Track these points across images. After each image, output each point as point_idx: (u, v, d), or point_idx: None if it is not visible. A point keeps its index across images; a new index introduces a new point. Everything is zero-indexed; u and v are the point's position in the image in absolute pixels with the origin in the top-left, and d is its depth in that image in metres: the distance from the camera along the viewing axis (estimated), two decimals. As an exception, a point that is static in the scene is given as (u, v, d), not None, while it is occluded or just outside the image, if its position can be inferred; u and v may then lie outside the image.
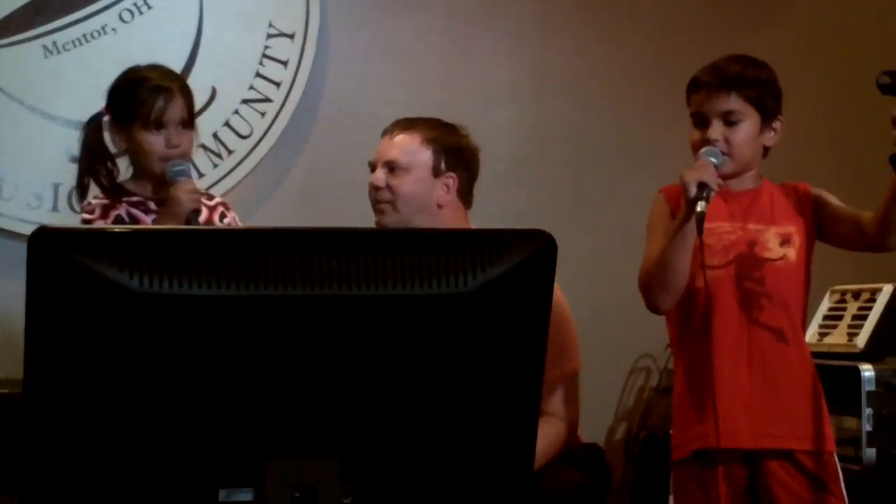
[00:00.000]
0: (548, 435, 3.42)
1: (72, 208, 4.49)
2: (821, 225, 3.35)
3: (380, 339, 1.73)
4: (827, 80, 5.25)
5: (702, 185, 3.09)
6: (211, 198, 3.63)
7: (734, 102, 3.25)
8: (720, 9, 5.20)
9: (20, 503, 1.74)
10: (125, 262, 1.64)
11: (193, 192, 3.38)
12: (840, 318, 4.26)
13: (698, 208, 3.07)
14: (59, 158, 4.50)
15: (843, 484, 3.30)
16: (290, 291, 1.68)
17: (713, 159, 3.18)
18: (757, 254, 3.28)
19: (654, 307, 3.28)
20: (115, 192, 3.48)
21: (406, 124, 3.62)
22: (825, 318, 4.33)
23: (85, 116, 4.47)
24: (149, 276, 1.64)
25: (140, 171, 3.49)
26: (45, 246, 1.64)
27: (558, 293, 3.53)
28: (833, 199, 3.37)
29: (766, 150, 3.36)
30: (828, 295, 4.37)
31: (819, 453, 3.27)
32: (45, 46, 4.51)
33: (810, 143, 4.95)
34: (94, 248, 1.64)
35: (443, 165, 3.59)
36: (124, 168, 3.54)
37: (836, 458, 3.32)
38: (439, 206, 3.59)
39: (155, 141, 3.41)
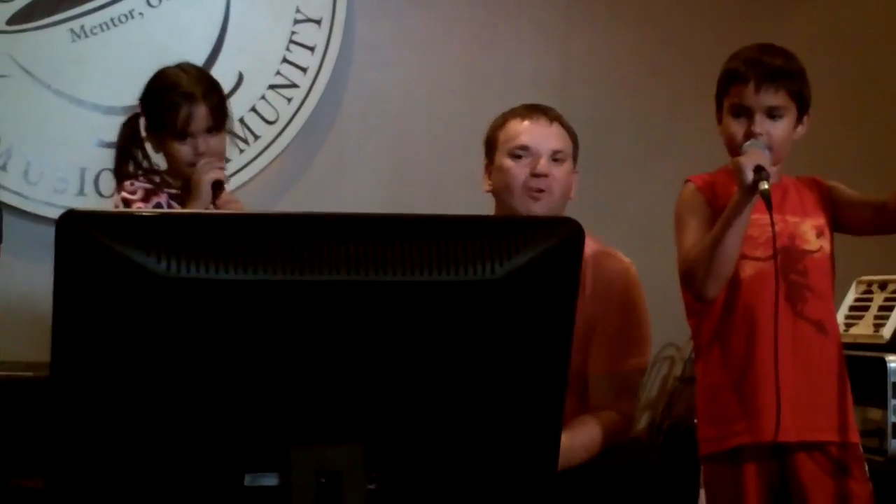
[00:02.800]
0: (605, 426, 3.41)
1: (98, 192, 4.51)
2: (836, 215, 3.35)
3: (406, 325, 1.73)
4: (850, 72, 5.23)
5: (759, 168, 3.09)
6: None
7: (781, 98, 3.25)
8: (744, 1, 5.18)
9: (46, 485, 1.75)
10: (152, 246, 1.64)
11: (210, 165, 3.41)
12: (866, 308, 4.24)
13: (763, 186, 3.07)
14: (86, 143, 4.51)
15: (867, 471, 3.31)
16: (316, 277, 1.68)
17: (763, 151, 3.18)
18: (798, 246, 3.28)
19: (700, 295, 3.24)
20: (153, 183, 3.53)
21: (549, 112, 3.58)
22: (851, 308, 4.31)
23: (112, 101, 4.52)
24: (176, 260, 1.64)
25: (174, 172, 3.54)
26: (72, 229, 1.64)
27: (637, 280, 3.53)
28: (846, 188, 3.39)
29: None
30: (854, 285, 4.35)
31: (848, 443, 3.27)
32: (72, 30, 4.52)
33: (833, 136, 4.93)
34: (121, 231, 1.64)
35: (575, 159, 3.58)
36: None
37: (861, 448, 3.33)
38: (570, 198, 3.57)
39: (183, 150, 3.46)
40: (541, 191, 3.46)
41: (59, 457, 1.72)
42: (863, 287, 4.34)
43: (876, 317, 4.17)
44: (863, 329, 4.18)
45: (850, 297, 4.34)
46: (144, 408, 1.70)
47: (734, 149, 3.27)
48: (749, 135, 3.24)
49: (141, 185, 3.51)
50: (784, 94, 3.26)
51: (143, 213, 1.71)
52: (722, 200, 3.25)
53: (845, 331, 4.17)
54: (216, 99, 3.50)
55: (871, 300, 4.26)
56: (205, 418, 1.72)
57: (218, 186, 3.44)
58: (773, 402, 3.19)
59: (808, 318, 3.27)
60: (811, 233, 3.30)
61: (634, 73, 5.10)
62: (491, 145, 3.58)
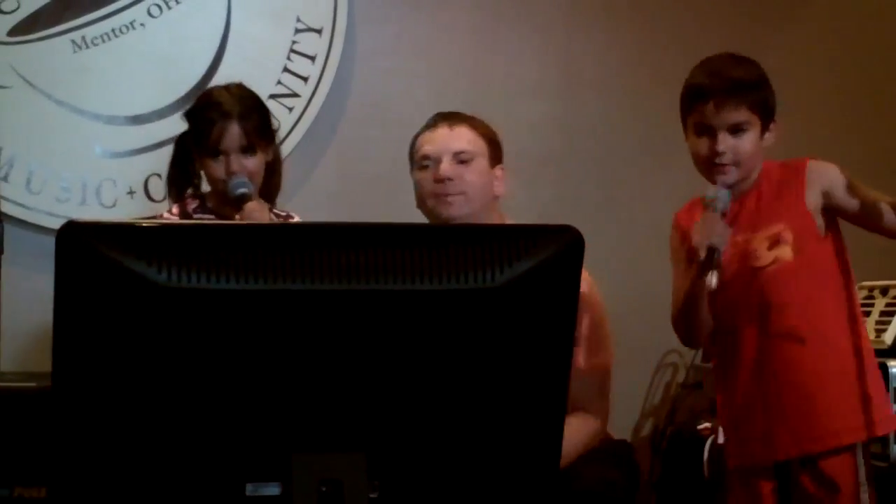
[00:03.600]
0: (580, 429, 3.42)
1: (100, 202, 4.51)
2: (830, 208, 3.30)
3: (406, 333, 1.73)
4: (852, 71, 5.23)
5: (711, 250, 3.09)
6: (287, 219, 3.68)
7: (743, 113, 3.23)
8: (746, 5, 5.19)
9: (48, 494, 1.75)
10: (153, 256, 1.64)
11: (258, 213, 3.45)
12: (868, 314, 4.24)
13: (712, 284, 3.11)
14: (88, 153, 4.52)
15: (862, 475, 3.28)
16: (317, 286, 1.68)
17: (720, 206, 3.17)
18: (749, 265, 3.26)
19: (687, 345, 3.37)
20: (183, 213, 3.55)
21: (455, 116, 3.60)
22: (853, 314, 4.31)
23: (113, 111, 4.54)
24: (176, 271, 1.64)
25: (215, 192, 3.58)
26: (73, 240, 1.64)
27: (595, 288, 3.54)
28: (839, 191, 3.27)
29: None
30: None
31: (844, 448, 3.26)
32: (73, 41, 4.53)
33: (833, 141, 4.93)
34: (122, 241, 1.64)
35: (493, 157, 3.59)
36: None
37: (861, 448, 3.29)
38: (495, 198, 3.58)
39: (216, 167, 3.51)
40: (448, 194, 3.48)
41: (62, 467, 1.72)
42: (864, 293, 4.34)
43: (877, 322, 4.17)
44: (865, 335, 4.18)
45: (853, 303, 4.34)
46: (146, 418, 1.70)
47: (700, 166, 3.28)
48: (714, 154, 3.23)
49: (169, 217, 3.56)
50: (745, 109, 3.23)
51: (144, 224, 1.71)
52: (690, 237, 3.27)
53: (847, 336, 4.17)
54: (256, 121, 3.52)
55: (872, 306, 4.26)
56: (206, 428, 1.72)
57: (244, 199, 3.46)
58: (748, 427, 3.25)
59: (777, 334, 3.25)
60: (762, 246, 3.24)
61: (636, 77, 5.10)
62: (410, 162, 3.62)
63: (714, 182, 3.24)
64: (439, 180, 3.48)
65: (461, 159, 3.50)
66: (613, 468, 3.53)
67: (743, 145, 3.23)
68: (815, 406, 3.23)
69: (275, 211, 3.70)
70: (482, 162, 3.54)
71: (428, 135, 3.58)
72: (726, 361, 3.34)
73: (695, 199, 3.35)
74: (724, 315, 3.29)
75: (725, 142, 3.22)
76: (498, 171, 3.59)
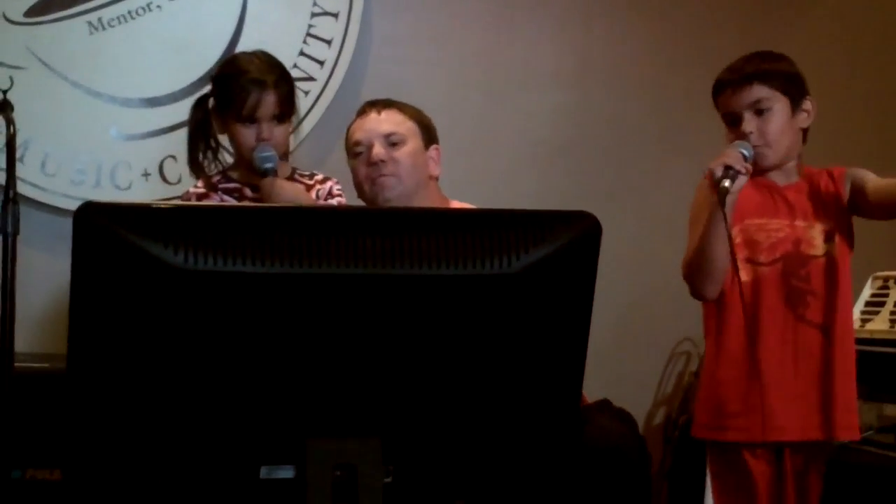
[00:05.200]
0: None
1: (114, 184, 4.51)
2: (857, 205, 3.35)
3: (423, 319, 1.73)
4: (866, 62, 5.21)
5: (727, 168, 3.10)
6: (312, 177, 3.70)
7: (759, 91, 3.27)
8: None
9: (63, 476, 1.76)
10: (170, 238, 1.64)
11: (279, 187, 3.46)
12: (882, 304, 4.23)
13: (723, 184, 3.08)
14: (103, 135, 4.52)
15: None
16: (333, 270, 1.68)
17: (743, 150, 3.19)
18: (803, 251, 3.31)
19: (699, 296, 3.32)
20: (208, 184, 3.56)
21: (383, 102, 3.70)
22: (867, 304, 4.30)
23: (129, 93, 4.53)
24: (193, 253, 1.64)
25: (237, 156, 3.59)
26: (90, 221, 1.64)
27: None
28: (864, 177, 3.36)
29: (804, 134, 3.37)
30: (870, 281, 4.34)
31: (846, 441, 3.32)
32: (89, 23, 4.52)
33: (847, 134, 4.92)
34: (139, 223, 1.64)
35: (426, 139, 3.67)
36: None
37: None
38: (431, 178, 3.67)
39: (247, 134, 3.53)
40: (382, 176, 3.57)
41: (77, 448, 1.72)
42: (879, 283, 4.33)
43: (892, 312, 4.16)
44: (879, 325, 4.17)
45: (866, 293, 4.33)
46: (161, 400, 1.70)
47: None
48: (741, 135, 3.26)
49: (195, 191, 3.60)
50: (762, 87, 3.28)
51: (161, 206, 1.71)
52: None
53: (861, 326, 4.16)
54: (286, 88, 3.56)
55: (887, 296, 4.25)
56: (221, 411, 1.72)
57: (268, 174, 3.48)
58: (770, 403, 3.24)
59: (811, 323, 3.30)
60: (819, 237, 3.31)
61: (653, 66, 5.09)
62: (347, 153, 3.72)
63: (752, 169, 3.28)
64: (372, 163, 3.58)
65: (392, 141, 3.61)
66: (613, 420, 3.54)
67: (768, 125, 3.28)
68: (835, 397, 3.27)
69: (298, 172, 3.72)
70: (414, 143, 3.64)
71: (358, 122, 3.68)
72: (740, 335, 3.32)
73: None
74: (762, 289, 3.28)
75: (751, 122, 3.26)
76: (432, 151, 3.70)
